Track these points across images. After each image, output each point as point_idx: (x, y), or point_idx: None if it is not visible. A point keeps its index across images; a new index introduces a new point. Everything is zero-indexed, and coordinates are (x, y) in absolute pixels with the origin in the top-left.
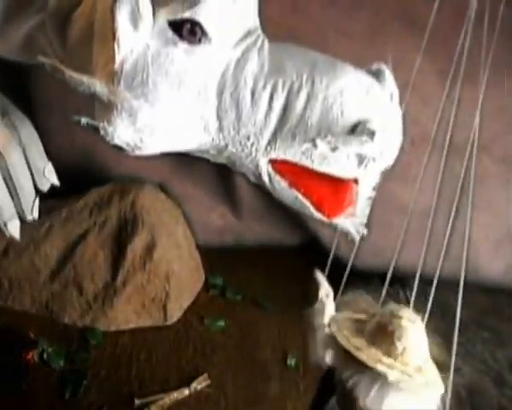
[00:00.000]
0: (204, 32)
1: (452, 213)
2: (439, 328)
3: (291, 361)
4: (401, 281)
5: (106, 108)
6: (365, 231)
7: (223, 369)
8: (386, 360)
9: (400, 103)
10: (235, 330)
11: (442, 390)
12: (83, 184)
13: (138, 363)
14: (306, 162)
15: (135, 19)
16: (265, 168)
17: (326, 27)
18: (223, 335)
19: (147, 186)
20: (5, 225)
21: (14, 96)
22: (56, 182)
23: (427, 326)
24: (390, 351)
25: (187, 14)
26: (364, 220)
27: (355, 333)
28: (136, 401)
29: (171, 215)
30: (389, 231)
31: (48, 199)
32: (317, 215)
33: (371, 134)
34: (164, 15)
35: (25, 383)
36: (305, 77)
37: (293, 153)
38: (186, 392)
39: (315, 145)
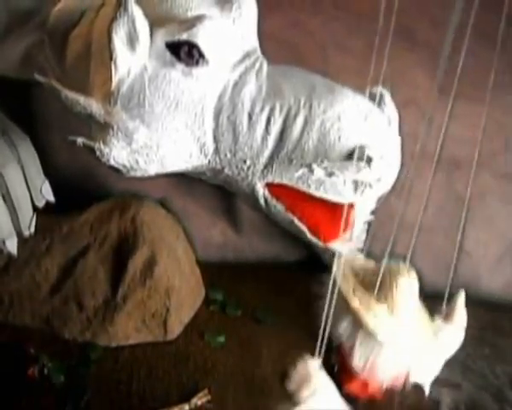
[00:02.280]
0: (201, 55)
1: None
2: None
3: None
4: None
5: (102, 128)
6: (361, 257)
7: (223, 385)
8: (359, 290)
9: (400, 119)
10: (235, 346)
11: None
12: (83, 200)
13: (138, 379)
14: (303, 187)
15: (131, 40)
16: (262, 192)
17: (326, 43)
18: (223, 350)
19: (147, 202)
20: (3, 242)
21: (14, 113)
22: (52, 199)
23: None
24: (370, 289)
25: (184, 36)
26: (360, 245)
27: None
28: None
29: (171, 231)
30: (388, 246)
31: (48, 215)
32: (313, 240)
33: (368, 160)
34: (161, 37)
35: (25, 398)
36: (302, 101)
37: (289, 177)
38: (186, 408)
39: (311, 170)
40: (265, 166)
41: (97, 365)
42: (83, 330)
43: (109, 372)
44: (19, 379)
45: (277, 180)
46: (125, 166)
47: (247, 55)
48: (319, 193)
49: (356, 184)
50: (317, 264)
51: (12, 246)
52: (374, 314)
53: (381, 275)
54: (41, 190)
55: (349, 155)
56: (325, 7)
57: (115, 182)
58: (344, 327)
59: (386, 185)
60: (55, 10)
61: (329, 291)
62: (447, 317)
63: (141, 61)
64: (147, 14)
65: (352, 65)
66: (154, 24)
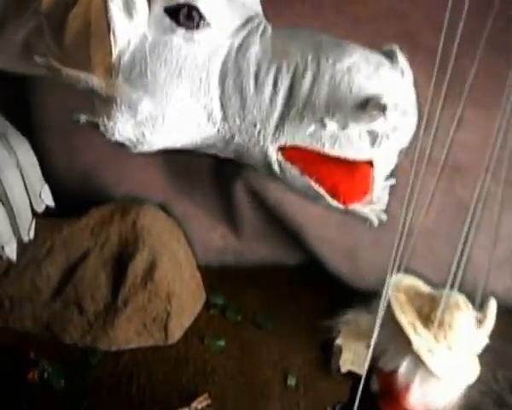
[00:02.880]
0: (202, 16)
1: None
2: None
3: (291, 381)
4: None
5: (105, 103)
6: (384, 217)
7: (223, 389)
8: (420, 327)
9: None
10: (235, 350)
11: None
12: (83, 204)
13: (139, 383)
14: (317, 146)
15: (129, 8)
16: (275, 156)
17: None
18: (223, 355)
19: (147, 206)
20: (2, 248)
21: (13, 116)
22: (52, 204)
23: None
24: (429, 323)
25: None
26: (383, 207)
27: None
28: None
29: (171, 235)
30: (391, 250)
31: (48, 219)
32: (333, 203)
33: (382, 109)
34: (160, 3)
35: (25, 402)
36: (310, 57)
37: (302, 136)
38: None
39: (324, 125)
40: (276, 128)
41: (97, 369)
42: (83, 334)
43: (109, 376)
44: (19, 383)
45: (290, 142)
46: (130, 139)
47: (250, 19)
48: (334, 151)
49: (372, 136)
50: (317, 268)
51: (11, 252)
52: (435, 355)
53: (440, 310)
54: (40, 195)
55: (362, 108)
56: (325, 11)
57: (115, 186)
58: (404, 366)
59: (403, 137)
60: None
61: (380, 319)
62: (481, 323)
63: (140, 30)
64: None
65: None
66: None
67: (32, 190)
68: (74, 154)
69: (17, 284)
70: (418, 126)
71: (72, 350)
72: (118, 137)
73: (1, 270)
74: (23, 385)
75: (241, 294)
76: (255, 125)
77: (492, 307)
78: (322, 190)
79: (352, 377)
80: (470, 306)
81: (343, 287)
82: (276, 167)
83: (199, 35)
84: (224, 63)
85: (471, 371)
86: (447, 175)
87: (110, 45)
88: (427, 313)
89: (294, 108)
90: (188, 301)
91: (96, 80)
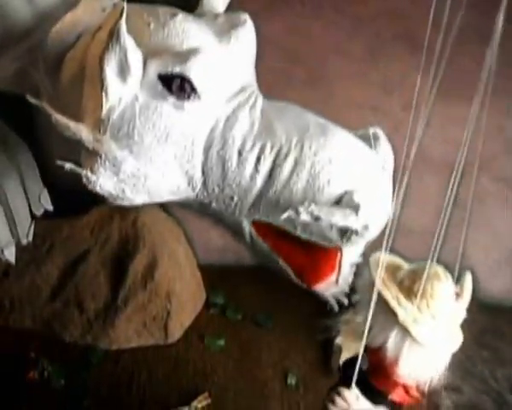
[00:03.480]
0: (193, 89)
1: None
2: None
3: (291, 380)
4: None
5: (90, 155)
6: (346, 301)
7: (223, 388)
8: (403, 300)
9: (400, 123)
10: (235, 350)
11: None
12: (83, 204)
13: (139, 382)
14: (289, 228)
15: (123, 71)
16: (248, 229)
17: (326, 48)
18: (223, 354)
19: (148, 206)
20: (2, 251)
21: (13, 121)
22: (50, 208)
23: None
24: (411, 296)
25: (177, 70)
26: (346, 289)
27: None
28: None
29: (172, 234)
30: (389, 249)
31: (48, 219)
32: (298, 282)
33: (356, 207)
34: (154, 68)
35: (25, 402)
36: (294, 141)
37: (276, 217)
38: None
39: (298, 214)
40: (253, 205)
41: (97, 368)
42: (83, 333)
43: (109, 376)
44: (19, 383)
45: (264, 219)
46: (111, 194)
47: (242, 90)
48: (305, 235)
49: (342, 229)
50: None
51: (10, 255)
52: (421, 325)
53: (422, 281)
54: (39, 199)
55: (338, 199)
56: (325, 12)
57: None
58: (392, 338)
59: (373, 232)
60: (51, 31)
61: (372, 298)
62: (458, 296)
63: (132, 91)
64: (141, 43)
65: (352, 69)
66: (148, 54)
67: (31, 195)
68: (74, 157)
69: (17, 284)
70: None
71: (72, 349)
72: (99, 190)
73: (1, 270)
74: (23, 384)
75: (242, 293)
76: (232, 198)
77: (468, 280)
78: (288, 269)
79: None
80: (449, 276)
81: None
82: (248, 239)
83: (189, 105)
84: (211, 133)
85: (454, 340)
86: (446, 173)
87: (101, 101)
88: (409, 285)
89: (272, 189)
90: (188, 301)
91: (84, 133)
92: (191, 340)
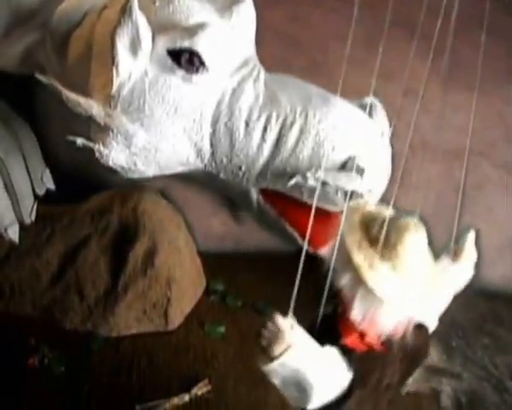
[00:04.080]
0: (202, 62)
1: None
2: (436, 332)
3: None
4: None
5: (102, 130)
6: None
7: (223, 375)
8: (365, 245)
9: (400, 109)
10: (235, 336)
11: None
12: (84, 190)
13: (139, 369)
14: (296, 194)
15: (134, 47)
16: (255, 197)
17: (326, 35)
18: (223, 341)
19: (148, 192)
20: (5, 230)
21: (15, 101)
22: (52, 187)
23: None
24: (377, 242)
25: (186, 44)
26: None
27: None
28: (137, 407)
29: (172, 221)
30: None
31: (49, 205)
32: (304, 245)
33: (360, 171)
34: (163, 43)
35: (26, 388)
36: (298, 111)
37: (283, 185)
38: (186, 398)
39: (305, 179)
40: (260, 174)
41: (98, 355)
42: (84, 320)
43: (110, 363)
44: (19, 369)
45: (271, 187)
46: (123, 167)
47: (245, 63)
48: (311, 200)
49: (347, 193)
50: (317, 254)
51: (14, 233)
52: (376, 272)
53: (385, 229)
54: (42, 178)
55: (342, 165)
56: None
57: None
58: (345, 280)
59: (375, 195)
60: (57, 10)
61: (337, 242)
62: (455, 255)
63: (142, 67)
64: (148, 20)
65: (353, 56)
66: (156, 30)
67: (34, 174)
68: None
69: (17, 270)
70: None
71: (72, 336)
72: (111, 164)
73: (1, 255)
74: (23, 371)
75: (242, 280)
76: (240, 168)
77: (470, 238)
78: (295, 234)
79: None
80: (422, 229)
81: None
82: (255, 207)
83: (197, 78)
84: (218, 106)
85: (429, 301)
86: (446, 160)
87: (112, 76)
88: (376, 232)
89: (279, 158)
90: (188, 288)
91: (94, 108)
92: (191, 327)
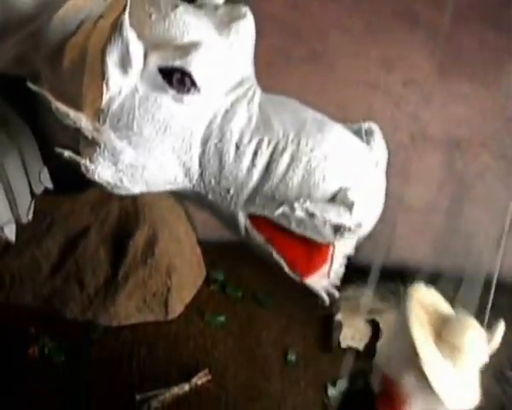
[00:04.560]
0: (193, 83)
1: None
2: None
3: (291, 357)
4: (402, 276)
5: (89, 144)
6: (336, 294)
7: (223, 364)
8: (430, 342)
9: (400, 99)
10: (235, 326)
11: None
12: (84, 180)
13: (139, 358)
14: (283, 222)
15: (124, 64)
16: (243, 222)
17: (326, 24)
18: (223, 330)
19: None
20: (2, 229)
21: (13, 99)
22: (50, 186)
23: None
24: (439, 341)
25: (177, 63)
26: (337, 282)
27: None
28: (137, 397)
29: (172, 211)
30: (390, 226)
31: (49, 195)
32: (291, 274)
33: (350, 205)
34: (155, 60)
35: (26, 378)
36: (291, 137)
37: (271, 211)
38: (186, 387)
39: (292, 209)
40: (248, 198)
41: (98, 344)
42: (84, 309)
43: (110, 352)
44: (19, 359)
45: (259, 212)
46: (108, 183)
47: (240, 83)
48: (299, 230)
49: (336, 226)
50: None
51: (10, 233)
52: (439, 370)
53: (452, 330)
54: (40, 178)
55: (333, 196)
56: None
57: None
58: (408, 376)
59: (366, 229)
60: (54, 18)
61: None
62: (489, 343)
63: (132, 83)
64: (142, 35)
65: (352, 46)
66: (149, 46)
67: (31, 173)
68: (74, 134)
69: (18, 260)
70: (418, 103)
71: (72, 326)
72: (97, 179)
73: (1, 246)
74: (23, 361)
75: (242, 270)
76: (229, 191)
77: (501, 328)
78: (282, 262)
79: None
80: (482, 330)
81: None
82: (242, 231)
83: (188, 98)
84: (209, 126)
85: (473, 395)
86: (447, 150)
87: (102, 90)
88: (439, 330)
89: (268, 184)
90: (188, 277)
91: (83, 121)
92: (191, 316)
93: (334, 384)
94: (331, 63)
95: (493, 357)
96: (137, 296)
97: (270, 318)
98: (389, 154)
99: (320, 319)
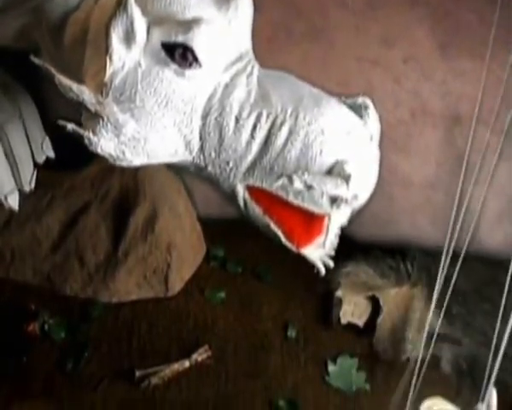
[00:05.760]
0: (195, 58)
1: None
2: (439, 300)
3: (291, 333)
4: (402, 253)
5: (92, 117)
6: (331, 263)
7: (223, 341)
8: None
9: (401, 76)
10: (235, 302)
11: None
12: (84, 156)
13: (139, 335)
14: (282, 194)
15: (128, 39)
16: (242, 193)
17: (327, 0)
18: (223, 307)
19: None
20: (5, 198)
21: (15, 68)
22: (52, 155)
23: (427, 298)
24: None
25: (180, 39)
26: (332, 252)
27: None
28: (137, 373)
29: (172, 187)
30: (390, 202)
31: (49, 171)
32: (287, 244)
33: (347, 177)
34: (158, 35)
35: (26, 355)
36: (289, 111)
37: (269, 184)
38: (187, 364)
39: (291, 181)
40: (247, 170)
41: (98, 321)
42: (84, 286)
43: (110, 329)
44: (19, 335)
45: (258, 185)
46: (111, 155)
47: (239, 58)
48: (297, 201)
49: (333, 197)
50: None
51: (14, 201)
52: None
53: None
54: (42, 147)
55: (329, 169)
56: None
57: None
58: None
59: (361, 200)
60: None
61: None
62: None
63: (135, 57)
64: (144, 10)
65: (352, 21)
66: (152, 21)
67: (33, 142)
68: (74, 106)
69: (18, 236)
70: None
71: (72, 303)
72: (100, 151)
73: (1, 222)
74: (23, 337)
75: (242, 246)
76: (228, 163)
77: (494, 398)
78: (279, 232)
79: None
80: None
81: (343, 239)
82: (241, 203)
83: (190, 72)
84: (209, 100)
85: None
86: (447, 126)
87: (105, 64)
88: None
89: (267, 156)
90: (188, 254)
91: (86, 94)
92: (191, 293)
93: (334, 360)
94: (331, 39)
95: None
96: (137, 273)
97: (271, 294)
98: (390, 129)
99: (320, 295)
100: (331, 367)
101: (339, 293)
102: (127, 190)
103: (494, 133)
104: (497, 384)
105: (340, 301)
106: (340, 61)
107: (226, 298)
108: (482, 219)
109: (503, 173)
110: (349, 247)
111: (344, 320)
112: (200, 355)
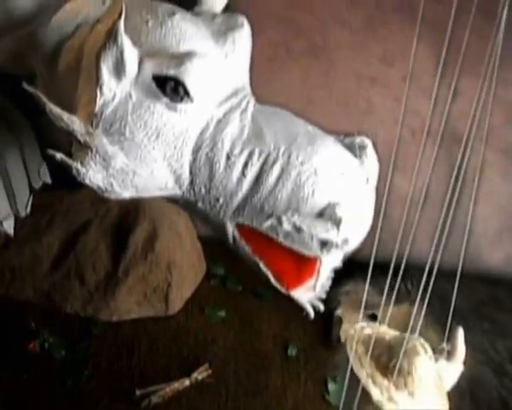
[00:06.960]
0: (187, 92)
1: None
2: (438, 319)
3: (292, 352)
4: (401, 271)
5: (81, 148)
6: (321, 307)
7: (223, 359)
8: (379, 378)
9: (400, 94)
10: (235, 321)
11: None
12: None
13: (139, 353)
14: (272, 234)
15: (118, 70)
16: (231, 231)
17: (326, 19)
18: (223, 325)
19: None
20: (1, 223)
21: (13, 92)
22: (49, 181)
23: (427, 317)
24: (387, 372)
25: (171, 72)
26: (323, 295)
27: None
28: (137, 392)
29: (172, 205)
30: (389, 221)
31: (49, 190)
32: (277, 286)
33: (338, 221)
34: (150, 68)
35: (26, 372)
36: (282, 149)
37: (259, 223)
38: (187, 382)
39: (280, 222)
40: (237, 208)
41: (98, 339)
42: (84, 304)
43: (110, 347)
44: (20, 354)
45: (248, 223)
46: (99, 187)
47: (235, 93)
48: (287, 243)
49: (323, 241)
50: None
51: (9, 227)
52: (396, 404)
53: (397, 358)
54: (39, 173)
55: (321, 211)
56: None
57: None
58: None
59: (353, 245)
60: (52, 20)
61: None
62: (450, 355)
63: (126, 89)
64: (138, 41)
65: (351, 40)
66: (145, 53)
67: (31, 168)
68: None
69: (18, 254)
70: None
71: (73, 321)
72: (88, 183)
73: (1, 241)
74: (24, 356)
75: (242, 264)
76: (218, 200)
77: (460, 335)
78: (268, 273)
79: None
80: (428, 348)
81: (343, 258)
82: (230, 240)
83: (181, 107)
84: (201, 134)
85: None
86: (446, 145)
87: (96, 95)
88: (386, 362)
89: (258, 195)
90: (188, 272)
91: (76, 125)
92: (192, 311)
93: (334, 379)
94: (331, 57)
95: (493, 351)
96: (138, 291)
97: (271, 312)
98: (389, 148)
99: (320, 313)
100: (331, 386)
101: (339, 312)
102: (127, 209)
103: (492, 151)
104: (499, 403)
105: (340, 320)
106: (340, 79)
107: (226, 316)
108: (482, 238)
109: (503, 192)
110: (348, 266)
111: (344, 339)
112: (201, 374)
